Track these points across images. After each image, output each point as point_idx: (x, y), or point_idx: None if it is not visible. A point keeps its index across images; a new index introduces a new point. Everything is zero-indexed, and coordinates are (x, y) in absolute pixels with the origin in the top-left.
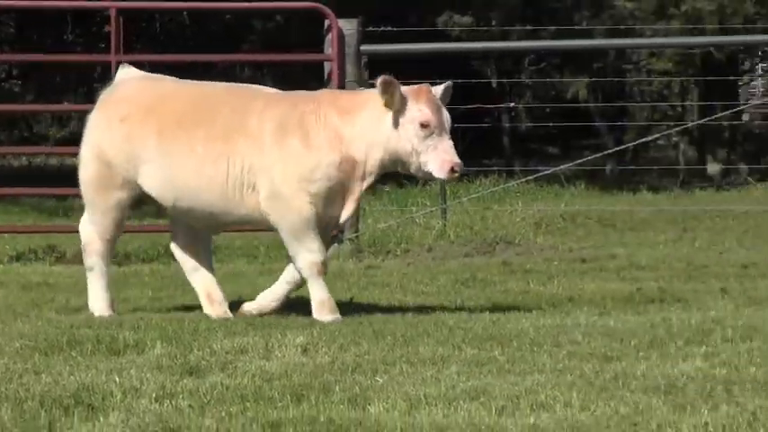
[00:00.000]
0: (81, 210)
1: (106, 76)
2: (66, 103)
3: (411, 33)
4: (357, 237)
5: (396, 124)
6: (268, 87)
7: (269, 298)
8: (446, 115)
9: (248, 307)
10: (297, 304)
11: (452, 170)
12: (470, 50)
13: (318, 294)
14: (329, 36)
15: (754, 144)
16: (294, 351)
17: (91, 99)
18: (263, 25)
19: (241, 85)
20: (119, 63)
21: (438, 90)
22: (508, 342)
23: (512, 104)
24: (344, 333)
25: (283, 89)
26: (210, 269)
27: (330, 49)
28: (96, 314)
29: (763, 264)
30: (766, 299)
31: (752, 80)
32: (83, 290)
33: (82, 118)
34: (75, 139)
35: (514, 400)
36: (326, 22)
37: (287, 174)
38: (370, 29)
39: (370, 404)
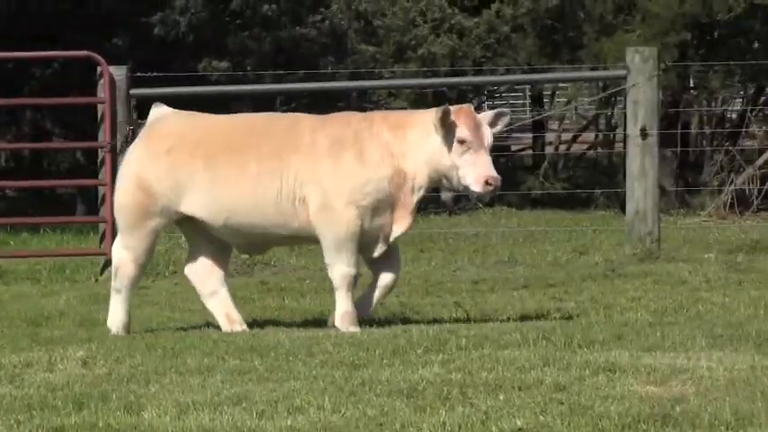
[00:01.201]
0: None
1: None
2: None
3: (176, 78)
4: None
5: (440, 142)
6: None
7: (363, 304)
8: (485, 133)
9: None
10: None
11: (487, 183)
12: (228, 92)
13: (344, 306)
14: (101, 81)
15: None
16: (75, 364)
17: None
18: (43, 71)
19: (280, 114)
20: None
21: (488, 114)
22: (267, 353)
23: None
24: (120, 347)
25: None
26: (227, 291)
27: (103, 92)
28: (113, 332)
29: (490, 280)
30: (494, 311)
31: None
32: None
33: None
34: None
35: (273, 405)
36: (99, 69)
37: (340, 187)
38: (138, 74)
39: (143, 410)
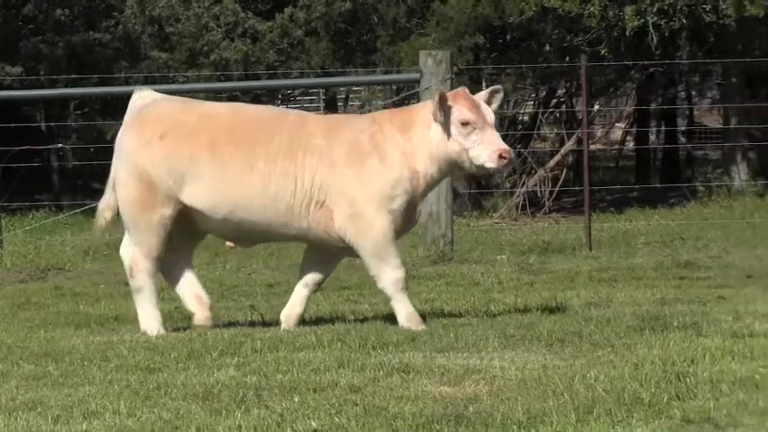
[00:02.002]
0: None
1: None
2: None
3: None
4: None
5: (442, 130)
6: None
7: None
8: (486, 110)
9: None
10: None
11: (501, 156)
12: (21, 97)
13: (405, 309)
14: None
15: None
16: None
17: None
18: None
19: (280, 108)
20: None
21: (482, 93)
22: (62, 358)
23: (60, 145)
24: None
25: None
26: (194, 276)
27: None
28: (150, 334)
29: (285, 283)
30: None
31: None
32: None
33: None
34: None
35: (68, 410)
36: None
37: (368, 194)
38: None
39: None
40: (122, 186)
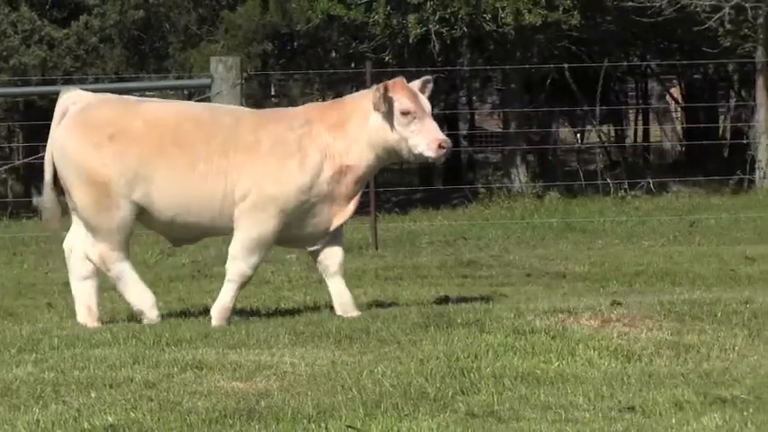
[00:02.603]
0: None
1: None
2: None
3: None
4: None
5: (381, 120)
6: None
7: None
8: (424, 101)
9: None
10: None
11: (440, 146)
12: None
13: (226, 300)
14: None
15: None
16: None
17: None
18: None
19: (218, 105)
20: None
21: (416, 83)
22: None
23: None
24: None
25: None
26: (97, 284)
27: None
28: (148, 310)
29: None
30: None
31: None
32: None
33: None
34: None
35: None
36: None
37: (276, 192)
38: None
39: None
40: (76, 192)
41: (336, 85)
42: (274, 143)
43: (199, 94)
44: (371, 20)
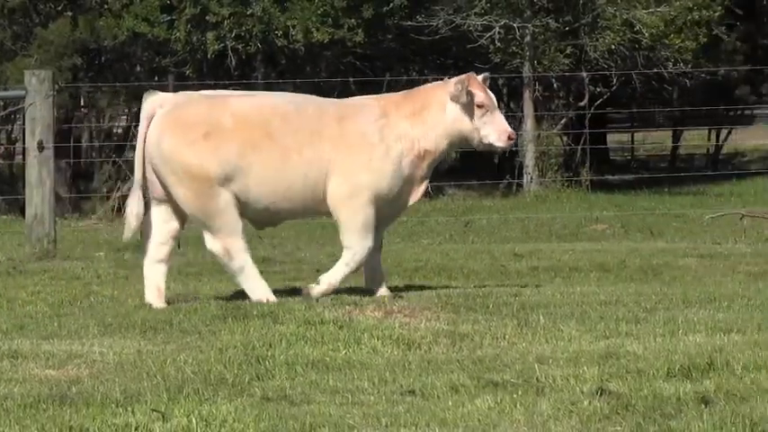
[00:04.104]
0: None
1: None
2: None
3: None
4: None
5: (458, 111)
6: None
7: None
8: (492, 95)
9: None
10: None
11: (509, 138)
12: None
13: (337, 278)
14: None
15: None
16: None
17: None
18: None
19: (301, 95)
20: None
21: (479, 78)
22: None
23: None
24: None
25: None
26: (167, 268)
27: None
28: (266, 299)
29: None
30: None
31: None
32: None
33: None
34: None
35: None
36: None
37: (368, 180)
38: None
39: None
40: (180, 191)
41: (140, 97)
42: (360, 135)
43: (14, 104)
44: (173, 37)
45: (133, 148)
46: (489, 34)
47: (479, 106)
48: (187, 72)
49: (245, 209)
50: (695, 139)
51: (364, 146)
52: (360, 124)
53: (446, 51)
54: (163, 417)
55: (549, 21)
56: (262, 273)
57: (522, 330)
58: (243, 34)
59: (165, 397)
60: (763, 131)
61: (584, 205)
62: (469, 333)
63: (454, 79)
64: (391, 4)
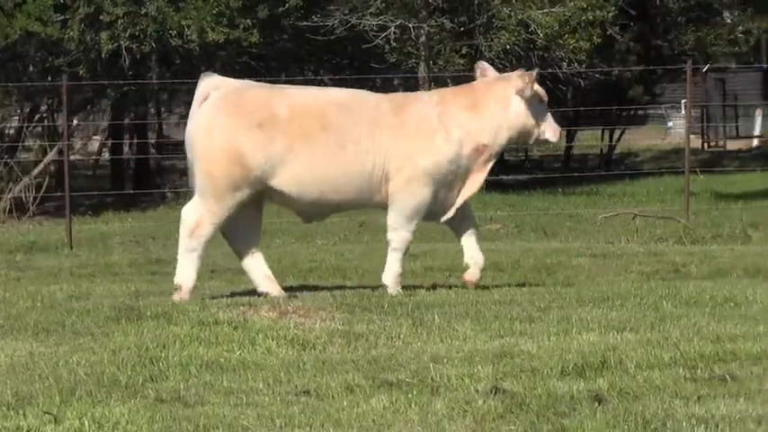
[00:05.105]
0: None
1: None
2: None
3: None
4: None
5: (524, 106)
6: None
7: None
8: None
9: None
10: None
11: (560, 134)
12: None
13: (396, 267)
14: None
15: None
16: None
17: None
18: None
19: (354, 90)
20: None
21: (534, 71)
22: None
23: None
24: None
25: None
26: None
27: None
28: (185, 285)
29: None
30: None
31: None
32: None
33: None
34: None
35: None
36: None
37: (424, 165)
38: None
39: None
40: (214, 162)
41: (34, 97)
42: (418, 122)
43: None
44: (67, 36)
45: (26, 149)
46: (385, 34)
47: (541, 101)
48: (81, 72)
49: (293, 202)
50: (589, 139)
51: (424, 130)
52: (418, 111)
53: (341, 51)
54: (55, 419)
55: (445, 21)
56: (155, 274)
57: (417, 330)
58: (137, 34)
59: (58, 399)
60: (655, 131)
61: (479, 205)
62: (364, 333)
63: (517, 73)
64: (287, 5)
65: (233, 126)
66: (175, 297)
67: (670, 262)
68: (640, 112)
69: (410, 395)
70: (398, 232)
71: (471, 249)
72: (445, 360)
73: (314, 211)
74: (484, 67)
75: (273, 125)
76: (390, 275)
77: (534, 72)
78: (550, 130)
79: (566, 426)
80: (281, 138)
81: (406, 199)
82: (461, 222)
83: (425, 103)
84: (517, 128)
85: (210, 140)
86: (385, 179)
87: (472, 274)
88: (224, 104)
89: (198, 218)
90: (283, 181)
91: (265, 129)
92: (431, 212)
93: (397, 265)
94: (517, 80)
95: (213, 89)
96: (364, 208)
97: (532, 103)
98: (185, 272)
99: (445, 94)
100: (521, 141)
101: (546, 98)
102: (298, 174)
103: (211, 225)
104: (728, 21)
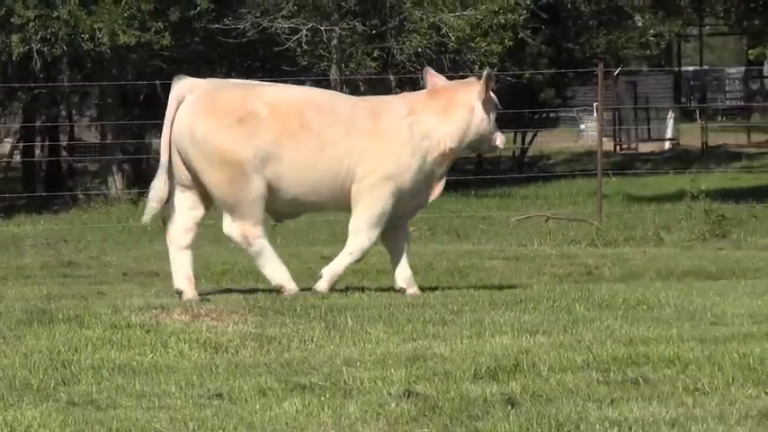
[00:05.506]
0: None
1: None
2: None
3: None
4: None
5: (483, 111)
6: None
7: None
8: None
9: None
10: None
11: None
12: None
13: (340, 268)
14: None
15: None
16: None
17: None
18: None
19: (328, 91)
20: None
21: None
22: None
23: None
24: None
25: None
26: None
27: None
28: (287, 286)
29: None
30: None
31: None
32: None
33: None
34: None
35: None
36: None
37: (395, 172)
38: None
39: None
40: (212, 173)
41: None
42: (392, 129)
43: None
44: None
45: None
46: (296, 37)
47: (496, 107)
48: None
49: (271, 200)
50: None
51: (396, 140)
52: (392, 120)
53: (253, 54)
54: None
55: (357, 24)
56: (67, 277)
57: (330, 333)
58: (48, 37)
59: None
60: (567, 134)
61: None
62: (277, 336)
63: (476, 80)
64: (198, 8)
65: (213, 127)
66: (285, 293)
67: (583, 264)
68: (552, 114)
69: (323, 398)
70: (358, 237)
71: (402, 270)
72: (358, 363)
73: (289, 211)
74: (432, 74)
75: (253, 120)
76: (330, 272)
77: (492, 75)
78: (499, 138)
79: (479, 429)
80: (263, 131)
81: (369, 204)
82: (394, 237)
83: (398, 111)
84: (479, 133)
85: (199, 149)
86: (351, 182)
87: (414, 291)
88: (200, 108)
89: (240, 230)
90: (269, 175)
91: (245, 124)
92: (399, 214)
93: (343, 267)
94: (480, 87)
95: (187, 92)
96: (344, 210)
97: (490, 109)
98: (274, 271)
99: (415, 103)
100: (473, 148)
101: (499, 106)
102: (281, 171)
103: (254, 226)
104: (639, 24)
